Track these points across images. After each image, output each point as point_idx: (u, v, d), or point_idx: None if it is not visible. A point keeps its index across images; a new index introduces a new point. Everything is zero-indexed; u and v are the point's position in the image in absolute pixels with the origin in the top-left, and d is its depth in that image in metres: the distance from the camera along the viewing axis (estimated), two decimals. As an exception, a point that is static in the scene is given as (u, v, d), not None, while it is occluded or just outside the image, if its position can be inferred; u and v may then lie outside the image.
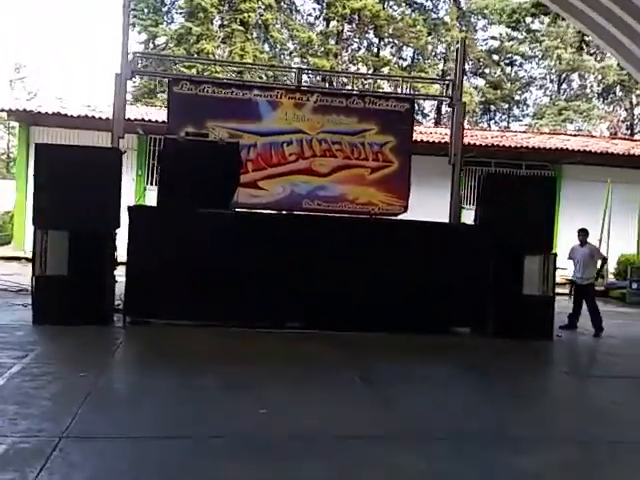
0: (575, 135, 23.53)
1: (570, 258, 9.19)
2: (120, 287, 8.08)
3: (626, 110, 32.21)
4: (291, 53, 32.14)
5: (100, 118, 15.18)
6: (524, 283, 8.34)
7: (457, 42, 31.03)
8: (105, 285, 7.85)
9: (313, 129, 9.46)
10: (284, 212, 9.22)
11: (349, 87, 11.11)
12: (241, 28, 29.08)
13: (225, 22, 29.51)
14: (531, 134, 23.04)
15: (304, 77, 16.06)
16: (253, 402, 4.79)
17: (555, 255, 8.47)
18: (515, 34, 31.97)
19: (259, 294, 7.95)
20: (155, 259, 7.85)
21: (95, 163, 7.83)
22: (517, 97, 33.43)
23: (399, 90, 9.71)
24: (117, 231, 7.97)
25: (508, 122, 33.74)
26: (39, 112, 15.29)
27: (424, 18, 31.25)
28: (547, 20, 22.81)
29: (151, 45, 31.49)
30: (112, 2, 35.88)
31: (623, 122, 32.57)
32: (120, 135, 8.96)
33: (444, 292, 8.32)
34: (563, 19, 20.28)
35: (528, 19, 20.77)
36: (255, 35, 30.00)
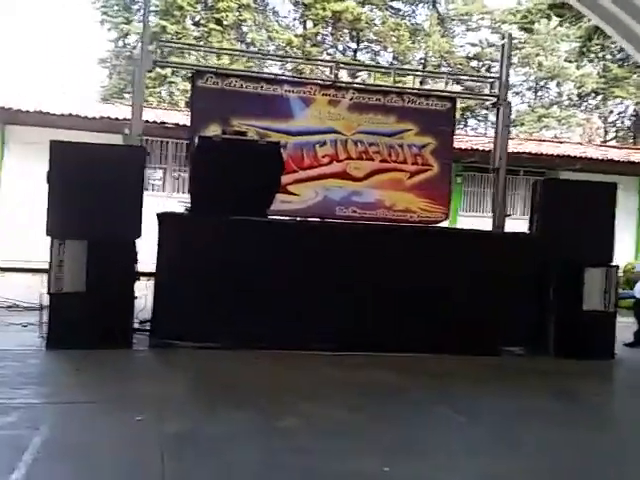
0: (561, 142, 23.38)
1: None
2: (138, 303, 7.12)
3: (601, 118, 32.42)
4: (265, 52, 31.23)
5: (87, 117, 14.06)
6: (584, 298, 7.72)
7: (438, 47, 30.89)
8: (127, 303, 6.88)
9: (348, 129, 8.63)
10: (318, 219, 8.37)
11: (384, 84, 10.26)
12: (218, 27, 28.06)
13: (201, 21, 28.45)
14: (519, 140, 22.74)
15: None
16: (364, 454, 3.93)
17: (617, 267, 7.88)
18: (493, 40, 31.88)
19: (301, 312, 7.11)
20: (186, 273, 6.93)
21: (117, 163, 6.87)
22: (495, 104, 33.24)
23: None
24: (137, 240, 7.03)
25: (485, 129, 33.56)
26: (19, 110, 14.02)
27: (404, 23, 30.88)
28: (554, 23, 22.57)
29: (121, 43, 30.28)
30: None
31: (597, 129, 32.78)
32: (139, 134, 7.96)
33: (496, 308, 7.61)
34: (570, 22, 20.14)
35: (543, 20, 20.49)
36: (233, 35, 29.00)
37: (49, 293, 6.51)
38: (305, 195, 8.58)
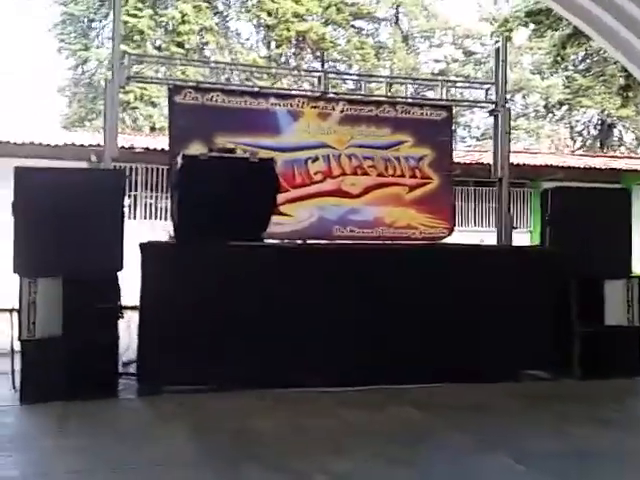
0: (534, 153, 23.27)
1: None
2: (122, 342, 6.30)
3: (568, 128, 32.64)
4: (228, 78, 30.74)
5: (49, 145, 13.22)
6: (606, 313, 7.18)
7: (403, 64, 30.78)
8: (110, 345, 6.08)
9: (341, 143, 8.03)
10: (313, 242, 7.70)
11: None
12: (180, 51, 27.43)
13: (163, 45, 27.80)
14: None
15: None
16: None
17: (639, 278, 7.37)
18: (457, 56, 32.03)
19: (303, 346, 6.41)
20: (175, 308, 6.17)
21: (93, 189, 6.12)
22: (462, 118, 33.26)
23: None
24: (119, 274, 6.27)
25: (454, 143, 33.42)
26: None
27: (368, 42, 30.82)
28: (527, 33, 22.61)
29: (80, 71, 29.44)
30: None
31: (565, 139, 32.98)
32: (114, 156, 7.21)
33: (513, 329, 7.00)
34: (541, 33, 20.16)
35: (522, 28, 20.52)
36: (196, 58, 28.36)
37: (20, 339, 5.68)
38: (299, 216, 7.92)
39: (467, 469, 4.09)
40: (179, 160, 6.41)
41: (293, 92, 9.25)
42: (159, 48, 28.41)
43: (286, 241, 7.74)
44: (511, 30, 20.06)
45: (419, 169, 8.25)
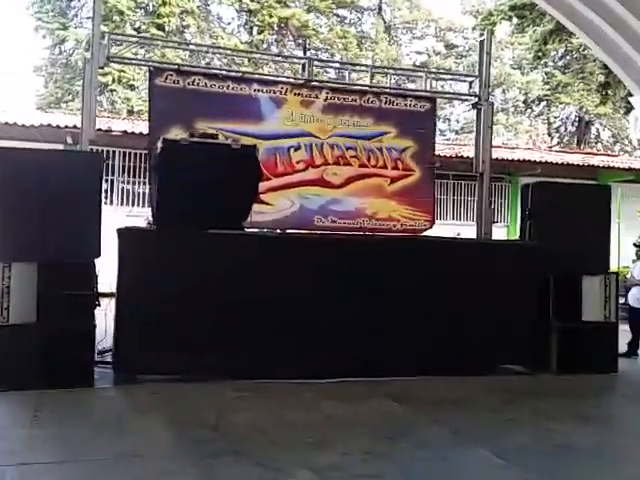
0: (512, 148, 23.41)
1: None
2: (98, 331, 6.18)
3: (546, 124, 32.88)
4: (209, 63, 30.35)
5: (24, 125, 12.90)
6: (584, 309, 7.23)
7: (385, 54, 30.68)
8: (85, 334, 5.94)
9: (324, 132, 7.94)
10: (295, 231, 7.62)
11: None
12: (160, 33, 26.98)
13: (142, 27, 27.30)
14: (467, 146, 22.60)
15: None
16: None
17: (617, 274, 7.44)
18: (439, 49, 32.07)
19: (284, 337, 6.34)
20: (152, 296, 6.06)
21: (70, 172, 5.96)
22: (442, 111, 33.31)
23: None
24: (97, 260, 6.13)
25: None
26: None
27: (351, 31, 30.63)
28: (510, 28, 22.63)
29: (57, 51, 28.83)
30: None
31: (543, 135, 33.22)
32: (92, 138, 7.03)
33: (491, 323, 7.01)
34: (523, 28, 20.23)
35: (505, 22, 20.46)
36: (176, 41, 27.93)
37: (-7, 326, 5.54)
38: (280, 205, 7.83)
39: (449, 463, 4.08)
40: (159, 144, 6.27)
41: (276, 78, 9.09)
42: (138, 30, 27.87)
43: (266, 230, 7.65)
44: (495, 24, 20.07)
45: (401, 160, 8.21)
